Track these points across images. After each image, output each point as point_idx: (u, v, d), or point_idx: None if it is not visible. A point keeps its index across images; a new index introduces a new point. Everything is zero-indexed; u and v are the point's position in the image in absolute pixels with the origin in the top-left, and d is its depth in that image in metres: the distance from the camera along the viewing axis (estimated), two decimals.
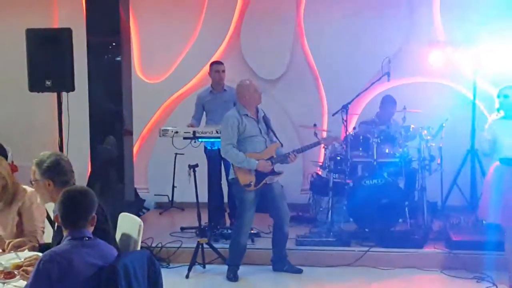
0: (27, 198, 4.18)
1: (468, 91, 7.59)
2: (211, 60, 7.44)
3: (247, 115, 5.55)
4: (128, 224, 3.78)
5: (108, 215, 3.49)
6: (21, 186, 4.26)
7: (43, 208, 4.11)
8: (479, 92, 7.44)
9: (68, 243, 3.01)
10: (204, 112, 7.01)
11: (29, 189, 4.22)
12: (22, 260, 3.43)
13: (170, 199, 8.05)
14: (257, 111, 5.66)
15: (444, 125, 6.74)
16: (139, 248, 3.67)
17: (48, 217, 4.01)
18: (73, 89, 6.01)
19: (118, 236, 3.79)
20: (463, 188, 7.49)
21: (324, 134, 7.47)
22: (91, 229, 3.12)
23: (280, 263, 5.85)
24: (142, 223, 3.71)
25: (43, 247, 3.65)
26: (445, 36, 7.75)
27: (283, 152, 5.65)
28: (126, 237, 3.73)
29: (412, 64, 7.68)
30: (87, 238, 3.05)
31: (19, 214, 4.16)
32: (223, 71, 6.89)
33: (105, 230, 3.33)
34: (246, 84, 5.66)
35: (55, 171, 3.57)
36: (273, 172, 5.58)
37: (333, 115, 6.76)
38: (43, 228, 4.17)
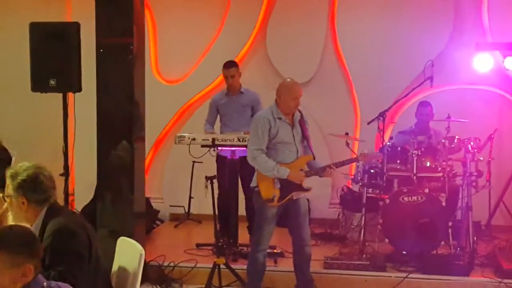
0: None
1: None
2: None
3: (280, 118, 4.89)
4: (127, 252, 3.18)
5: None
6: None
7: None
8: None
9: None
10: (219, 116, 6.47)
11: None
12: None
13: (187, 210, 7.52)
14: (293, 113, 4.97)
15: (492, 136, 6.06)
16: (139, 282, 3.04)
17: None
18: (79, 90, 5.48)
19: (115, 267, 3.19)
20: (510, 207, 6.82)
21: (356, 144, 6.85)
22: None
23: None
24: (143, 252, 3.10)
25: None
26: (492, 39, 7.04)
27: (316, 165, 4.98)
28: (124, 268, 3.13)
29: (455, 68, 7.00)
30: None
31: None
32: (232, 76, 6.25)
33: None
34: (285, 84, 4.97)
35: (30, 188, 2.98)
36: (301, 187, 4.92)
37: (368, 123, 6.12)
38: None
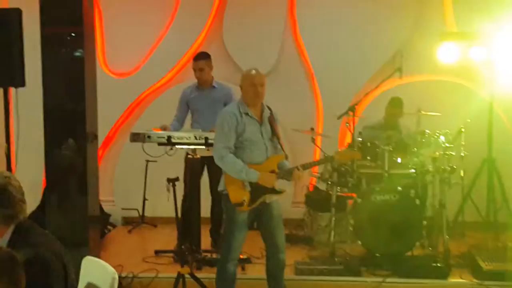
0: None
1: (485, 92, 6.69)
2: (188, 52, 6.59)
3: (248, 113, 4.48)
4: (95, 275, 2.69)
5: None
6: None
7: None
8: (497, 93, 6.54)
9: None
10: (190, 112, 6.01)
11: None
12: None
13: (141, 213, 7.02)
14: (262, 110, 4.57)
15: (463, 130, 5.81)
16: None
17: None
18: (23, 85, 4.96)
19: None
20: (477, 202, 6.62)
21: (319, 140, 6.51)
22: None
23: None
24: (116, 275, 2.62)
25: None
26: (457, 28, 6.82)
27: (287, 165, 4.58)
28: None
29: (421, 59, 6.72)
30: None
31: None
32: (201, 69, 5.80)
33: None
34: (244, 73, 4.60)
35: None
36: (273, 190, 4.51)
37: (338, 118, 5.78)
38: None
